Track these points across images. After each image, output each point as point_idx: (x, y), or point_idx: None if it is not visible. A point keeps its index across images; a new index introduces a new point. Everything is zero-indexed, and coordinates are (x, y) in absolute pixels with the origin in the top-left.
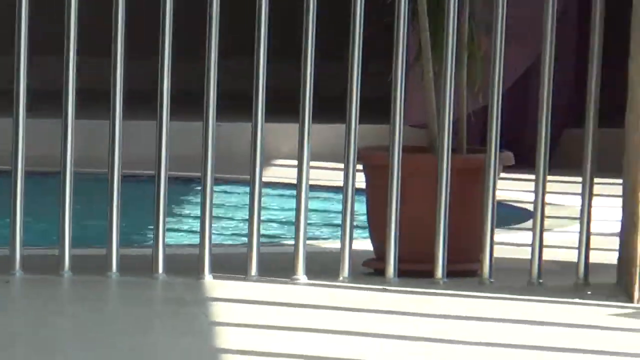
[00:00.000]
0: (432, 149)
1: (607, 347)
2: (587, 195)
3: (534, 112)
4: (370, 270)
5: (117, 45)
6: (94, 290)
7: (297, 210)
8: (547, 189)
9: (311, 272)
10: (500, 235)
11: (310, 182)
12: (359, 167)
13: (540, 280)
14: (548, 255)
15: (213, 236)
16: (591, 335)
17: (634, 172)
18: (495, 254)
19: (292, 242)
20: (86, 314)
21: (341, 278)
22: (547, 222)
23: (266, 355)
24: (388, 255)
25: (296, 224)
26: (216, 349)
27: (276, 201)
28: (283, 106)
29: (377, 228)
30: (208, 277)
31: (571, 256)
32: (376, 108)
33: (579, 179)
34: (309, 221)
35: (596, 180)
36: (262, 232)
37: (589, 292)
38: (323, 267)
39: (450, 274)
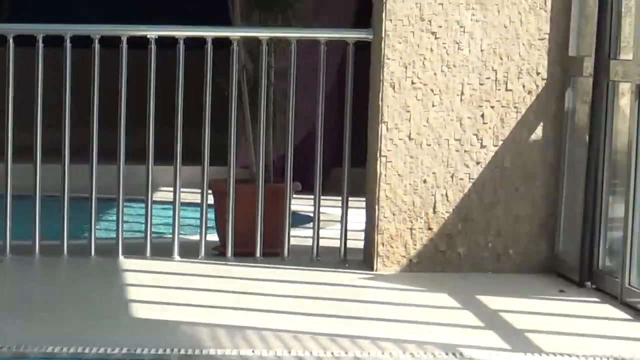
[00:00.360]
0: (253, 180)
1: (357, 297)
2: (345, 207)
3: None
4: (217, 252)
5: None
6: (55, 268)
7: (174, 217)
8: (322, 204)
9: (183, 254)
10: (294, 230)
11: (183, 200)
12: (210, 191)
13: (318, 258)
14: (323, 242)
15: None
16: (347, 290)
17: (372, 193)
18: (291, 242)
19: (170, 236)
20: (56, 281)
21: (200, 257)
22: (322, 223)
23: (156, 304)
24: (227, 243)
25: (173, 225)
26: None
27: (163, 212)
28: (163, 154)
29: (220, 227)
30: (121, 257)
31: (336, 243)
32: (221, 156)
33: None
34: (182, 223)
35: (351, 198)
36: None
37: (347, 265)
38: (189, 250)
39: (265, 254)
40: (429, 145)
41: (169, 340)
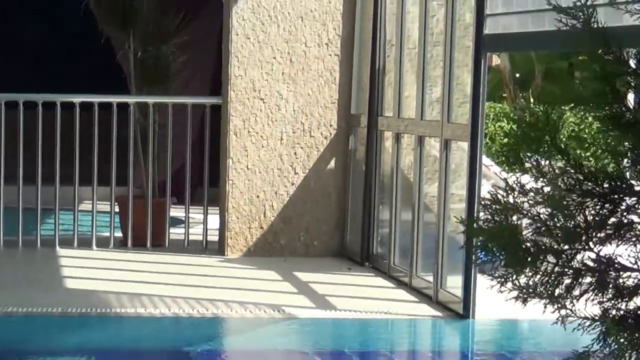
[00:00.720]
0: (144, 196)
1: (214, 273)
2: (206, 213)
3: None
4: (121, 244)
5: None
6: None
7: (92, 220)
8: (190, 211)
9: (98, 245)
10: (172, 229)
11: (98, 210)
12: (117, 203)
13: (188, 247)
14: (191, 237)
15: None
16: (207, 268)
17: (223, 204)
18: (170, 237)
19: (89, 233)
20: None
21: (110, 247)
22: (191, 224)
23: (81, 279)
24: (128, 237)
25: (92, 226)
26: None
27: (85, 217)
28: (86, 179)
29: (124, 227)
30: (57, 248)
31: (200, 237)
32: (123, 180)
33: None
34: (99, 224)
35: (210, 207)
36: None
37: (207, 252)
38: (103, 243)
39: (153, 245)
40: (260, 172)
41: (89, 302)
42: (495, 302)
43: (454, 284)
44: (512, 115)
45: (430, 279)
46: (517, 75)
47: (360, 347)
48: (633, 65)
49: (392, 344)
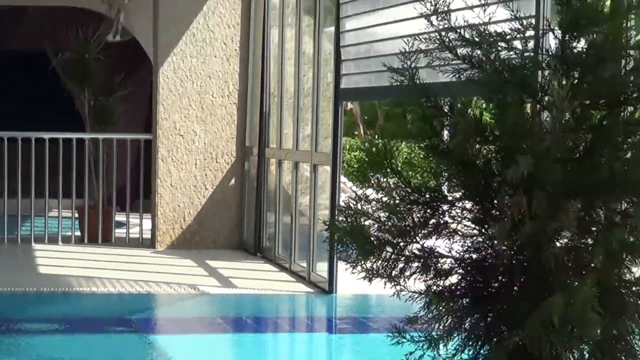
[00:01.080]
0: (96, 206)
1: (146, 261)
2: (141, 218)
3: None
4: (80, 240)
5: None
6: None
7: (58, 222)
8: (130, 217)
9: (63, 241)
10: (117, 229)
11: (63, 215)
12: (77, 210)
13: (128, 242)
14: (131, 235)
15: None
16: (142, 258)
17: (154, 211)
18: (115, 235)
19: (56, 231)
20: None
21: (71, 243)
22: (130, 225)
23: (50, 266)
24: (84, 235)
25: (58, 226)
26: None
27: (53, 221)
28: (54, 194)
29: (81, 227)
30: (33, 243)
31: (137, 236)
32: (82, 194)
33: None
34: (63, 226)
35: (144, 214)
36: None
37: (142, 245)
38: (66, 239)
39: (103, 240)
40: (180, 188)
41: (56, 283)
42: (351, 281)
43: (322, 268)
44: (361, 146)
45: (304, 264)
46: (365, 117)
47: (253, 314)
48: (446, 110)
49: (277, 311)
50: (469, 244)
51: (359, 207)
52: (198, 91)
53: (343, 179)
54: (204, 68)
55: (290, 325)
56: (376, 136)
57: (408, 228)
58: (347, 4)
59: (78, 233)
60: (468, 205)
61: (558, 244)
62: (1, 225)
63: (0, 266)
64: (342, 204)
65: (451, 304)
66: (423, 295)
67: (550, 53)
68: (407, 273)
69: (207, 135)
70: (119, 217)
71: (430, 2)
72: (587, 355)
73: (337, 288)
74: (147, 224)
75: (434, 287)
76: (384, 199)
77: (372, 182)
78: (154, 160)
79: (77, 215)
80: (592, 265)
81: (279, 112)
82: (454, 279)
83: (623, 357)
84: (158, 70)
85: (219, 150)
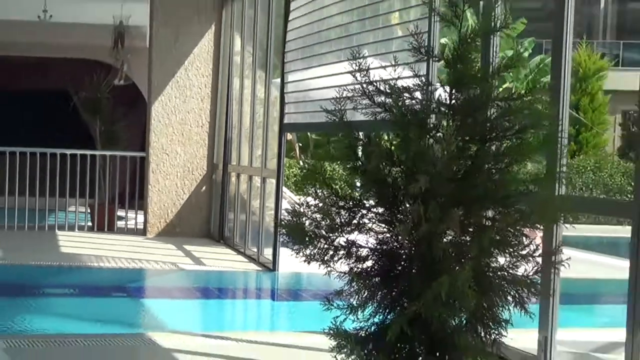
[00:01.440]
0: (104, 204)
1: (140, 245)
2: (136, 213)
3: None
4: (92, 229)
5: None
6: None
7: (76, 216)
8: (128, 212)
9: (79, 229)
10: (118, 221)
11: (80, 211)
12: (89, 207)
13: (126, 231)
14: (129, 226)
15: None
16: (137, 242)
17: (146, 208)
18: (117, 225)
19: (73, 222)
20: None
21: (85, 230)
22: (128, 219)
23: (64, 246)
24: (94, 225)
25: (75, 219)
26: None
27: (72, 215)
28: (73, 194)
29: (93, 219)
30: (56, 230)
31: (132, 226)
32: (93, 195)
33: (134, 210)
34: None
35: (139, 210)
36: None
37: (137, 233)
38: (81, 228)
39: (108, 229)
40: (166, 193)
41: (72, 260)
42: (290, 263)
43: (268, 252)
44: (298, 165)
45: (255, 250)
46: (300, 144)
47: (217, 285)
48: (365, 141)
49: (235, 283)
50: (381, 238)
51: (300, 210)
52: (180, 122)
53: (284, 189)
54: (184, 106)
55: (244, 293)
56: (309, 158)
57: (336, 226)
58: (289, 62)
59: (89, 223)
60: (380, 210)
61: (445, 240)
62: (32, 217)
63: (31, 247)
64: (289, 207)
65: (367, 282)
66: (346, 275)
67: (440, 102)
68: (335, 258)
69: (185, 154)
70: (120, 212)
71: (355, 63)
72: (464, 321)
73: (279, 267)
74: (140, 218)
75: (355, 269)
76: (320, 204)
77: (311, 192)
78: (146, 171)
79: (89, 210)
80: (469, 255)
81: (239, 138)
82: (369, 263)
83: (490, 322)
84: (150, 106)
85: (194, 166)
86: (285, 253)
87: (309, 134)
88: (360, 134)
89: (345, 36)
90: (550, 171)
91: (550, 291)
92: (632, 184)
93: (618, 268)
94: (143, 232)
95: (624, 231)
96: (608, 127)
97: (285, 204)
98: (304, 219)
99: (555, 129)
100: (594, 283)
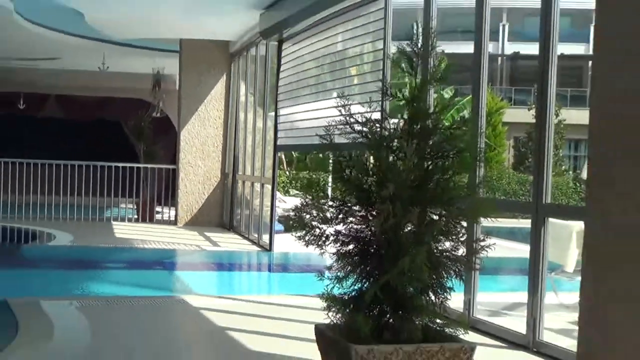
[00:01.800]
0: (146, 202)
1: (171, 232)
2: (169, 209)
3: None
4: (137, 220)
5: None
6: None
7: (126, 211)
8: (165, 208)
9: (128, 221)
10: (157, 215)
11: (128, 207)
12: (135, 203)
13: (162, 221)
14: (164, 218)
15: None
16: (169, 230)
17: (178, 206)
18: (156, 217)
19: (123, 215)
20: None
21: (127, 221)
22: (164, 214)
23: (100, 235)
24: (139, 217)
25: (118, 213)
26: None
27: (115, 209)
28: (123, 193)
29: (138, 213)
30: (112, 222)
31: (166, 217)
32: (137, 195)
33: (168, 207)
34: (127, 214)
35: (172, 207)
36: None
37: (170, 223)
38: (130, 220)
39: (149, 219)
40: (192, 194)
41: (124, 242)
42: (282, 245)
43: (266, 237)
44: (285, 175)
45: (256, 235)
46: (286, 159)
47: (229, 261)
48: (348, 157)
49: (241, 259)
50: (359, 229)
51: (302, 207)
52: (201, 143)
53: (278, 193)
54: (204, 132)
55: (248, 267)
56: (294, 170)
57: (327, 219)
58: (280, 101)
59: (135, 216)
60: (359, 208)
61: (407, 230)
62: (95, 212)
63: (94, 233)
64: (287, 207)
65: (349, 260)
66: (335, 255)
67: (402, 130)
68: (327, 243)
69: (205, 166)
70: (158, 208)
71: (339, 102)
72: (420, 289)
73: (274, 248)
74: (172, 212)
75: (340, 251)
76: (316, 204)
77: (309, 196)
78: (176, 179)
79: (135, 206)
80: (425, 241)
81: (244, 155)
82: (350, 246)
83: (439, 290)
84: (180, 132)
85: (211, 175)
86: (279, 238)
87: (293, 152)
88: (346, 153)
89: (320, 83)
90: (473, 181)
91: (473, 265)
92: (522, 189)
93: (519, 250)
94: (175, 222)
95: (521, 223)
96: (505, 148)
97: (277, 203)
98: (304, 213)
99: (477, 150)
100: (502, 260)
